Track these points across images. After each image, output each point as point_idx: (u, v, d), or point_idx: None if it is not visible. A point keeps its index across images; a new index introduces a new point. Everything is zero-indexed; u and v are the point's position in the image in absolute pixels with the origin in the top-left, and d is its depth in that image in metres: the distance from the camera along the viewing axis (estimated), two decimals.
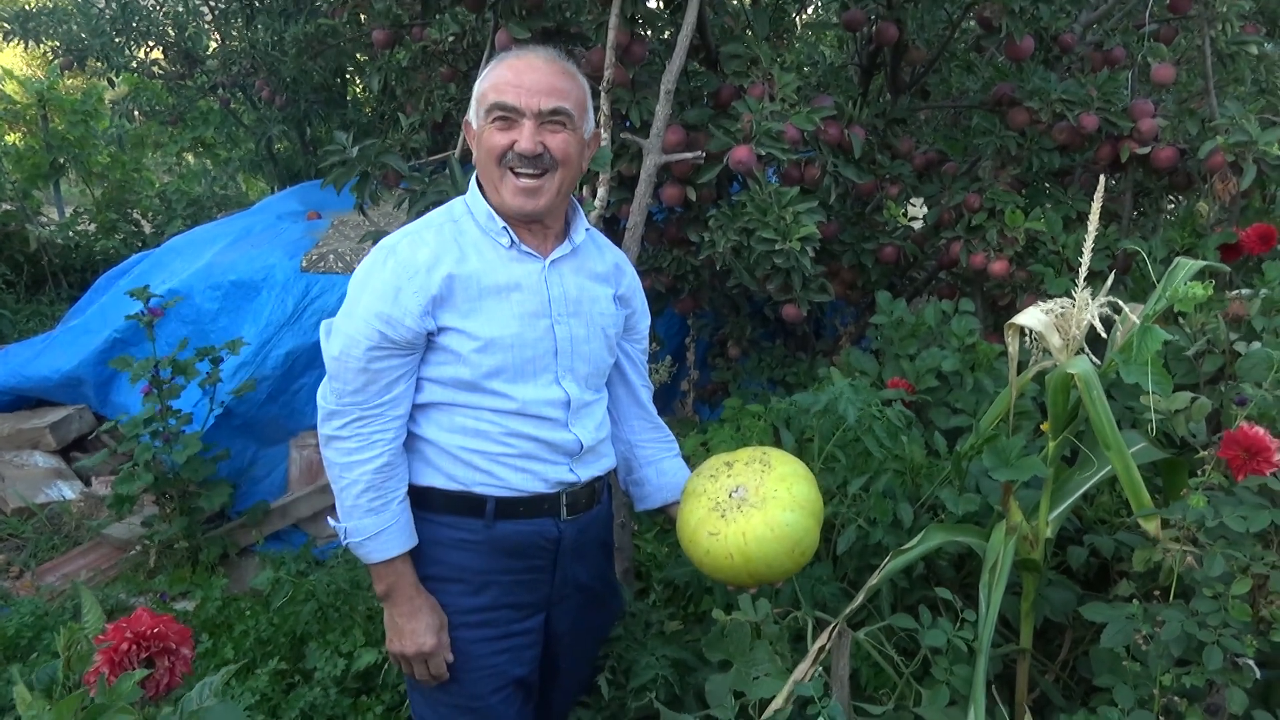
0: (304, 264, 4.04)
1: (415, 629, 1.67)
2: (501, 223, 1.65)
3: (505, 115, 1.58)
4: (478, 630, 1.73)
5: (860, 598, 1.74)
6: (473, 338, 1.61)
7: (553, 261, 1.70)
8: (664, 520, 2.01)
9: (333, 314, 4.21)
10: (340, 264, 4.04)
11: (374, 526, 1.63)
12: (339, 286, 3.97)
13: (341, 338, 1.61)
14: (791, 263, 2.65)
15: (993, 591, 1.72)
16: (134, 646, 1.16)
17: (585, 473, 1.78)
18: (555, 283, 1.70)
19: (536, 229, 1.69)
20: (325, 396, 1.64)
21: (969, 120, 3.83)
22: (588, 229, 1.80)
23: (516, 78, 1.59)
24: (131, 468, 3.33)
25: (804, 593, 2.02)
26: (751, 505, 1.68)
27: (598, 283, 1.79)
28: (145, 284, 3.72)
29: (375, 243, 2.94)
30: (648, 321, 1.97)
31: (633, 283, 1.90)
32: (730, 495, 1.72)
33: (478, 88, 1.64)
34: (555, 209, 1.68)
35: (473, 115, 1.66)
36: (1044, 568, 1.92)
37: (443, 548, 1.71)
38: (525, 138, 1.58)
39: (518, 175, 1.60)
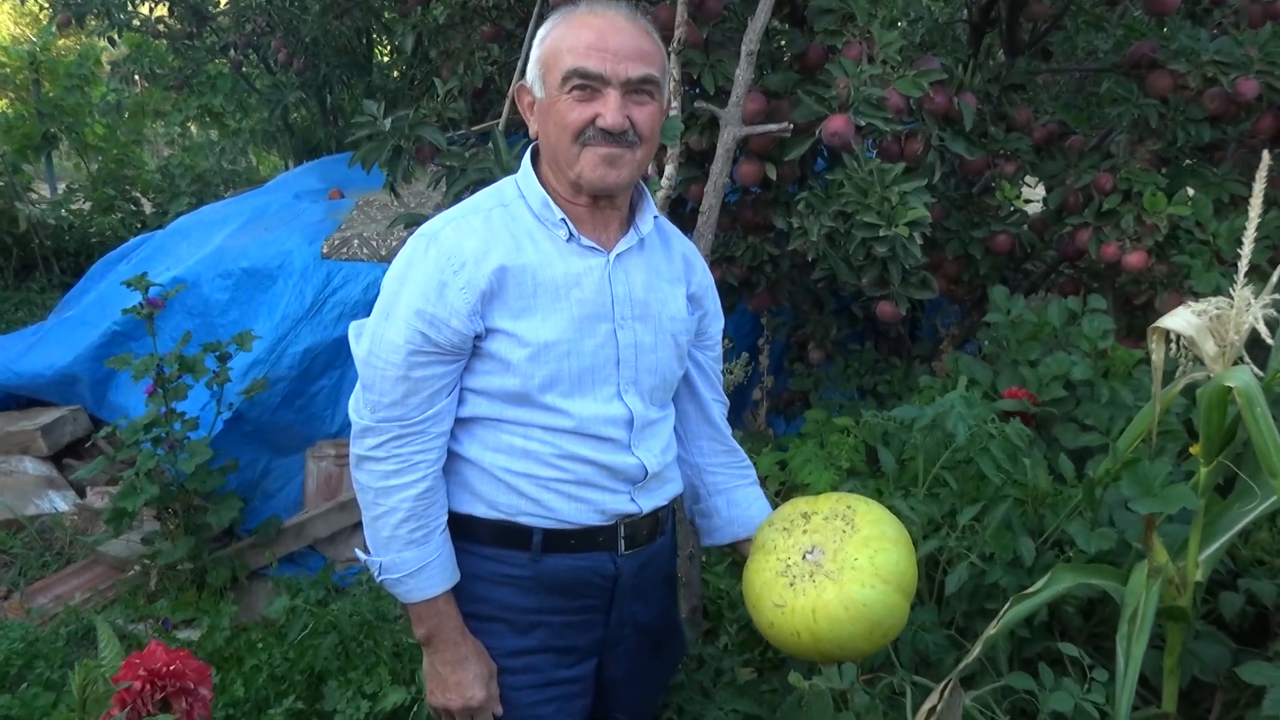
0: (325, 250, 4.10)
1: (462, 680, 1.68)
2: (559, 213, 1.64)
3: (586, 84, 1.56)
4: (522, 676, 1.74)
5: (976, 650, 1.71)
6: (524, 343, 1.60)
7: (618, 256, 1.69)
8: (737, 556, 2.00)
9: (357, 307, 4.27)
10: (366, 250, 4.09)
11: (415, 561, 1.64)
12: (364, 276, 4.02)
13: (377, 341, 1.61)
14: (894, 251, 2.62)
15: (1132, 645, 1.69)
16: (149, 686, 1.18)
17: (648, 502, 1.77)
18: (620, 280, 1.69)
19: (599, 218, 1.69)
20: (359, 410, 1.64)
21: (1099, 86, 3.76)
22: (656, 216, 1.79)
23: (599, 39, 1.56)
24: (134, 478, 3.40)
25: (904, 642, 1.99)
26: (826, 575, 1.66)
27: (667, 281, 1.78)
28: (145, 271, 3.80)
29: (408, 227, 3.00)
30: (721, 324, 1.96)
31: (704, 279, 1.89)
32: (804, 557, 1.71)
33: (542, 49, 1.63)
34: (628, 188, 1.68)
35: (535, 81, 1.64)
36: (1192, 617, 1.87)
37: (483, 583, 1.72)
38: (612, 110, 1.56)
39: (599, 144, 1.59)
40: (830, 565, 1.67)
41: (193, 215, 5.09)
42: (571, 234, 1.65)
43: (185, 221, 4.98)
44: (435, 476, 1.65)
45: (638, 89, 1.58)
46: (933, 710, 1.63)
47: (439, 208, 3.32)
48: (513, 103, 3.58)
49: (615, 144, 1.58)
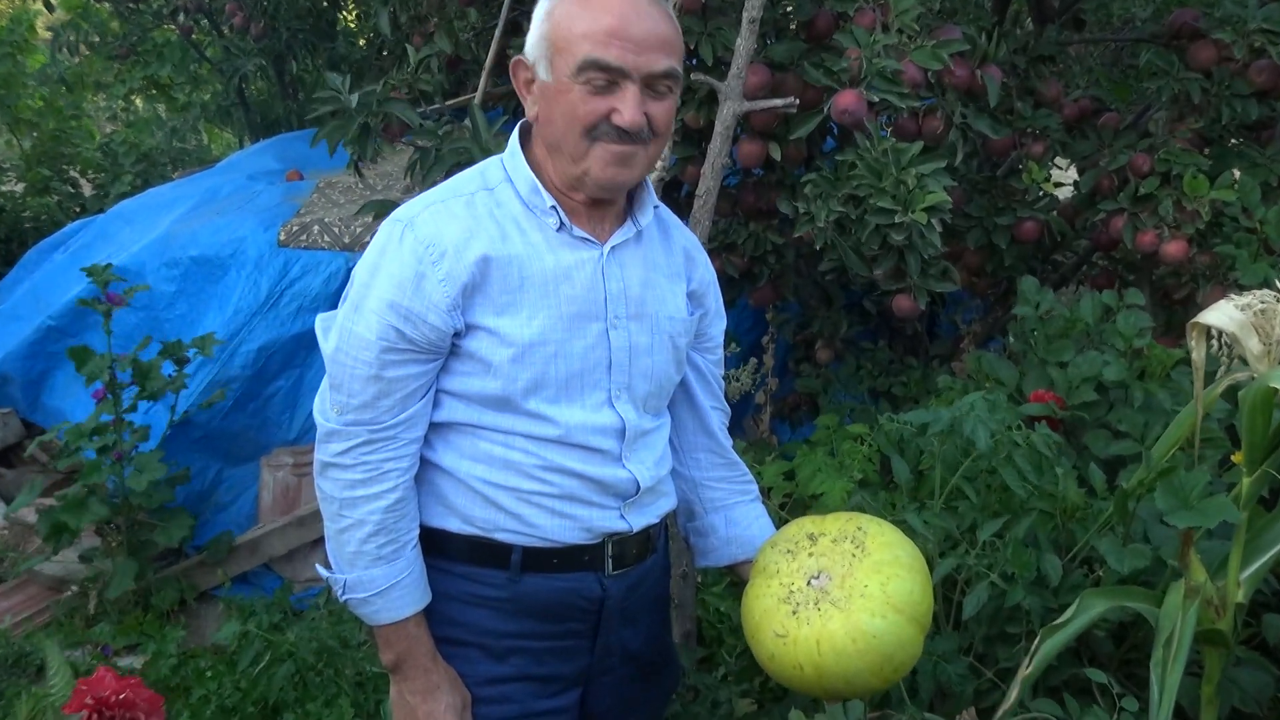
0: (282, 236, 4.11)
1: (433, 711, 1.67)
2: (550, 200, 1.64)
3: (605, 77, 1.55)
4: (498, 707, 1.73)
5: (1014, 695, 1.71)
6: (507, 342, 1.60)
7: (613, 249, 1.69)
8: (736, 578, 2.01)
9: (318, 300, 4.28)
10: (327, 237, 4.10)
11: (384, 579, 1.64)
12: (325, 265, 4.03)
13: (346, 336, 1.60)
14: (911, 240, 2.63)
15: (1167, 673, 1.69)
16: (96, 716, 1.19)
17: (639, 520, 1.77)
18: (614, 275, 1.69)
19: (596, 208, 1.68)
20: (324, 412, 1.64)
21: (1136, 58, 3.78)
22: (656, 207, 1.79)
23: (621, 25, 1.53)
24: (81, 491, 3.40)
25: (922, 673, 2.00)
26: (833, 603, 1.66)
27: (666, 277, 1.78)
28: (87, 259, 3.80)
29: (378, 217, 3.01)
30: (723, 324, 1.95)
31: (706, 274, 1.88)
32: (809, 583, 1.70)
33: (551, 24, 1.59)
34: (639, 181, 1.69)
35: (540, 61, 1.61)
36: (1233, 642, 1.88)
37: (456, 604, 1.71)
38: (630, 108, 1.54)
39: (611, 142, 1.57)
40: (838, 592, 1.67)
41: (137, 198, 5.10)
42: (563, 223, 1.64)
43: (128, 205, 4.98)
44: (407, 486, 1.65)
45: (658, 84, 1.57)
46: None
47: (409, 191, 3.33)
48: (491, 75, 3.59)
49: (630, 142, 1.57)
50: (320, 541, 3.78)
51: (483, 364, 1.61)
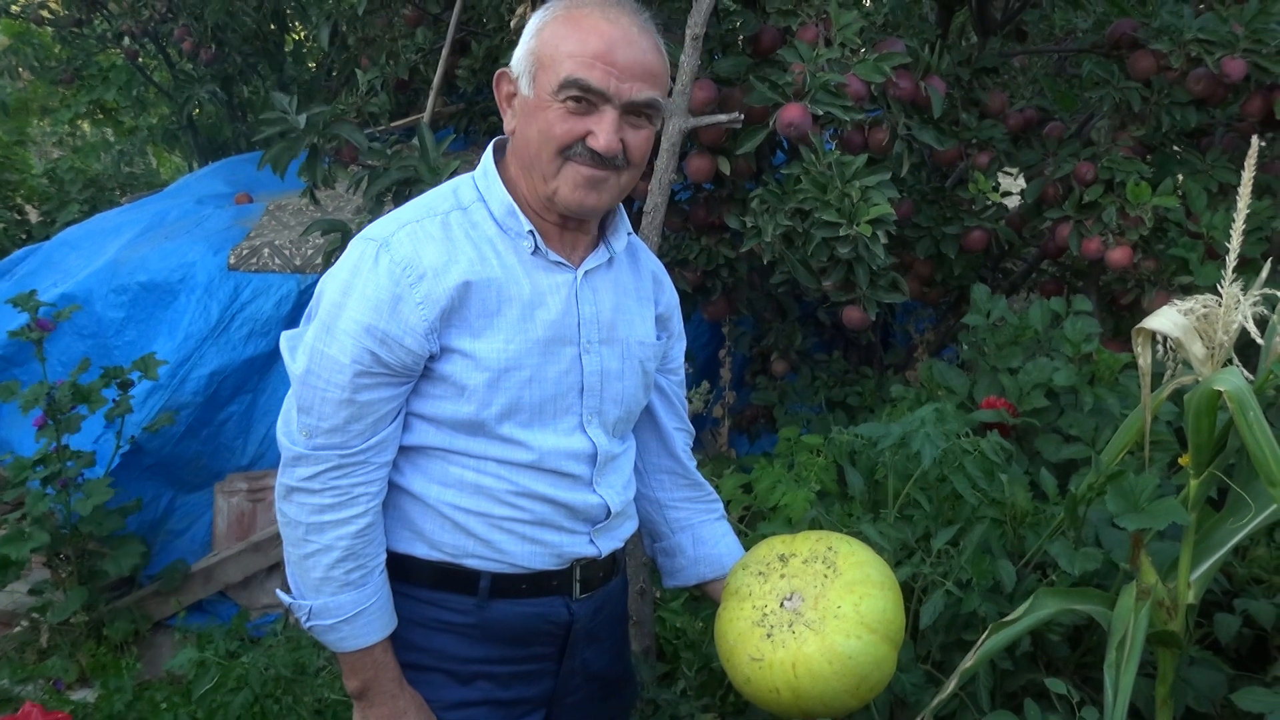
0: (232, 260, 4.07)
1: None
2: (528, 224, 1.63)
3: (584, 98, 1.54)
4: None
5: (952, 685, 1.73)
6: (483, 366, 1.59)
7: (586, 274, 1.69)
8: (706, 598, 2.01)
9: (270, 323, 4.24)
10: (278, 260, 4.07)
11: (351, 605, 1.62)
12: (276, 288, 3.99)
13: (317, 359, 1.57)
14: (858, 252, 2.65)
15: (1121, 674, 1.71)
16: None
17: (608, 544, 1.78)
18: (587, 300, 1.69)
19: (569, 232, 1.68)
20: (290, 434, 1.60)
21: (1078, 68, 3.83)
22: (630, 234, 1.79)
23: (609, 50, 1.53)
24: (19, 521, 3.35)
25: None
26: (807, 625, 1.67)
27: (636, 301, 1.79)
28: (32, 288, 3.75)
29: (325, 235, 2.99)
30: (683, 346, 1.96)
31: (672, 299, 1.89)
32: (782, 605, 1.71)
33: (539, 41, 1.59)
34: (610, 209, 1.69)
35: (523, 75, 1.60)
36: (1186, 642, 1.90)
37: (421, 630, 1.70)
38: (606, 132, 1.54)
39: (582, 164, 1.57)
40: (811, 614, 1.68)
41: (84, 224, 5.03)
42: (538, 246, 1.64)
43: (75, 231, 4.91)
44: (376, 512, 1.63)
45: (638, 111, 1.57)
46: None
47: (359, 211, 3.31)
48: (439, 94, 3.58)
49: (602, 167, 1.57)
50: (277, 567, 3.75)
51: (457, 387, 1.60)
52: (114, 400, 3.48)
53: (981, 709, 1.94)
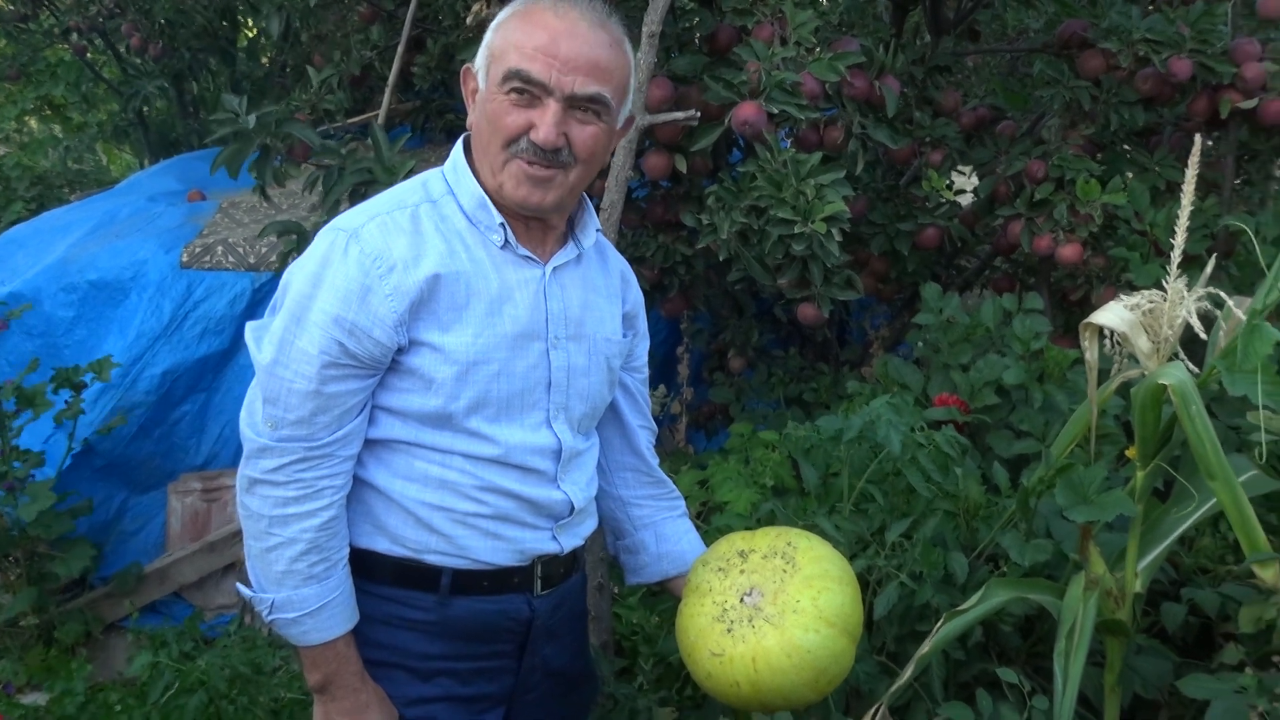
0: (184, 258, 4.04)
1: None
2: (498, 217, 1.64)
3: (526, 89, 1.55)
4: None
5: (908, 673, 1.76)
6: (451, 359, 1.59)
7: (555, 269, 1.70)
8: (668, 594, 2.02)
9: (223, 322, 4.20)
10: (231, 258, 4.04)
11: (315, 599, 1.61)
12: (230, 287, 3.96)
13: (285, 349, 1.56)
14: (813, 250, 2.68)
15: (1070, 663, 1.75)
16: None
17: (570, 541, 1.79)
18: (556, 296, 1.70)
19: (536, 226, 1.69)
20: (255, 425, 1.59)
21: (1029, 68, 3.89)
22: (598, 230, 1.80)
23: (551, 43, 1.54)
24: None
25: None
26: (766, 620, 1.69)
27: (604, 298, 1.80)
28: None
29: (281, 236, 2.98)
30: (647, 344, 1.97)
31: (638, 297, 1.91)
32: (742, 600, 1.74)
33: (495, 35, 1.61)
34: (564, 208, 1.69)
35: (481, 69, 1.62)
36: (1133, 631, 1.94)
37: (381, 627, 1.70)
38: (546, 124, 1.55)
39: (526, 161, 1.58)
40: (771, 609, 1.70)
41: (32, 222, 4.95)
42: (507, 240, 1.65)
43: (22, 230, 4.84)
44: (340, 505, 1.62)
45: (583, 106, 1.57)
46: None
47: (314, 210, 3.30)
48: (395, 92, 3.57)
49: (545, 163, 1.58)
50: (233, 567, 3.72)
51: (424, 381, 1.60)
52: (65, 402, 3.43)
53: (935, 699, 1.98)
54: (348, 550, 1.66)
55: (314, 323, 1.55)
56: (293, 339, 1.56)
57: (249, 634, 3.19)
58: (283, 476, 1.58)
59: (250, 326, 1.64)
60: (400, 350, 1.59)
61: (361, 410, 1.61)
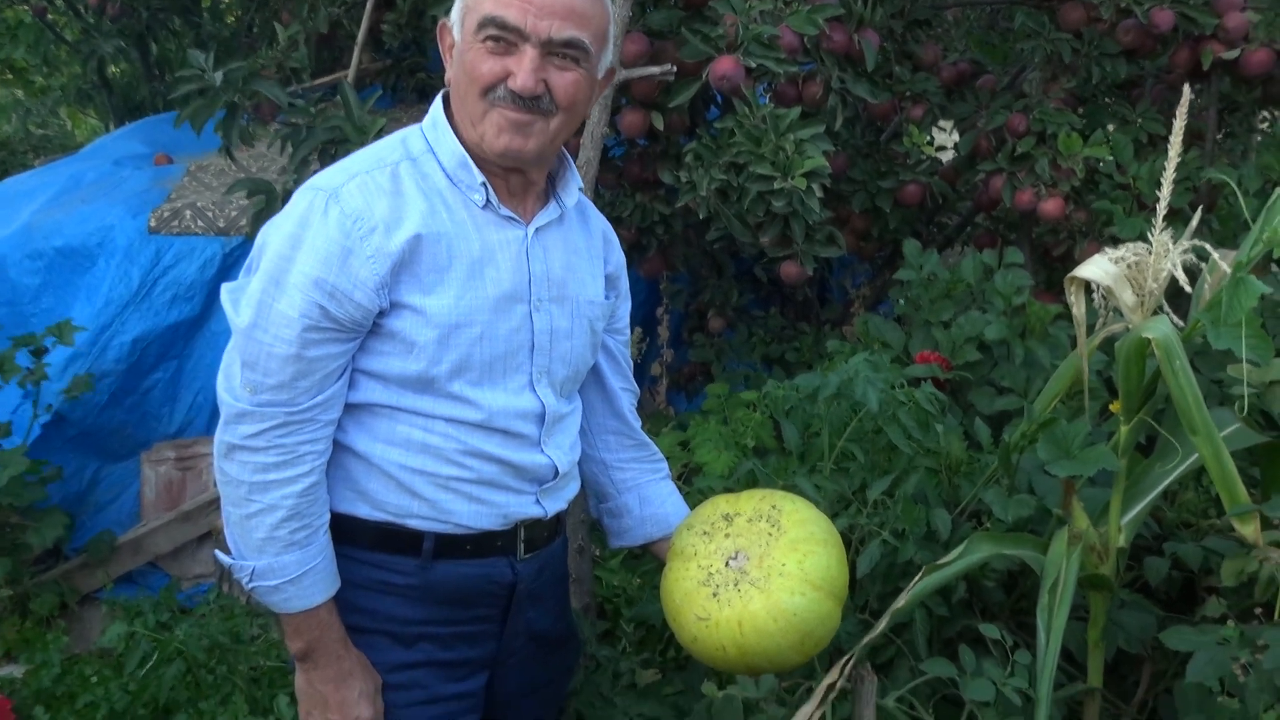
0: (152, 223, 3.99)
1: (346, 698, 1.66)
2: (480, 176, 1.62)
3: (501, 36, 1.54)
4: (405, 693, 1.73)
5: (882, 624, 1.77)
6: (433, 323, 1.59)
7: (537, 230, 1.69)
8: (653, 558, 2.03)
9: (194, 288, 4.17)
10: (200, 222, 3.99)
11: (296, 565, 1.61)
12: (200, 252, 3.92)
13: (265, 312, 1.55)
14: (793, 206, 2.66)
15: (1053, 618, 1.76)
16: None
17: (553, 505, 1.79)
18: (538, 257, 1.69)
19: (516, 184, 1.68)
20: (233, 390, 1.58)
21: (1010, 21, 3.86)
22: (581, 189, 1.79)
23: None
24: None
25: None
26: (752, 583, 1.70)
27: (587, 260, 1.79)
28: None
29: (250, 196, 2.94)
30: (629, 306, 1.97)
31: (620, 258, 1.91)
32: (727, 564, 1.74)
33: None
34: (545, 158, 1.67)
35: (456, 22, 1.62)
36: (1116, 585, 1.96)
37: (363, 592, 1.70)
38: (524, 72, 1.54)
39: (505, 108, 1.56)
40: (756, 572, 1.71)
41: None
42: (489, 200, 1.63)
43: None
44: (321, 470, 1.62)
45: (560, 52, 1.56)
46: (831, 686, 1.68)
47: (284, 172, 3.25)
48: (365, 50, 3.53)
49: (525, 110, 1.56)
50: (208, 536, 3.71)
51: (405, 344, 1.59)
52: (28, 368, 3.40)
53: (919, 655, 1.99)
54: (329, 516, 1.65)
55: (293, 285, 1.53)
56: (271, 302, 1.54)
57: (227, 603, 3.19)
58: (263, 442, 1.57)
59: (226, 288, 1.63)
60: (381, 313, 1.58)
61: (342, 374, 1.60)
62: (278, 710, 2.47)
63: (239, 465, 1.58)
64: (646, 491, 1.99)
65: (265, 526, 1.59)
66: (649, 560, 2.09)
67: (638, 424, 2.01)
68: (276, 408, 1.56)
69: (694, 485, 2.45)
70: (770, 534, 1.74)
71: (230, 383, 1.58)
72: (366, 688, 1.68)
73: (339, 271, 1.53)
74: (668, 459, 2.48)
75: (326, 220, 1.54)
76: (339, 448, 1.66)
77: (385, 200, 1.57)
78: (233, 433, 1.58)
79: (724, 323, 3.87)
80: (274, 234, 1.58)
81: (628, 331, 1.98)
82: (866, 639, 1.79)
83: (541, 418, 1.72)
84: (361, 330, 1.59)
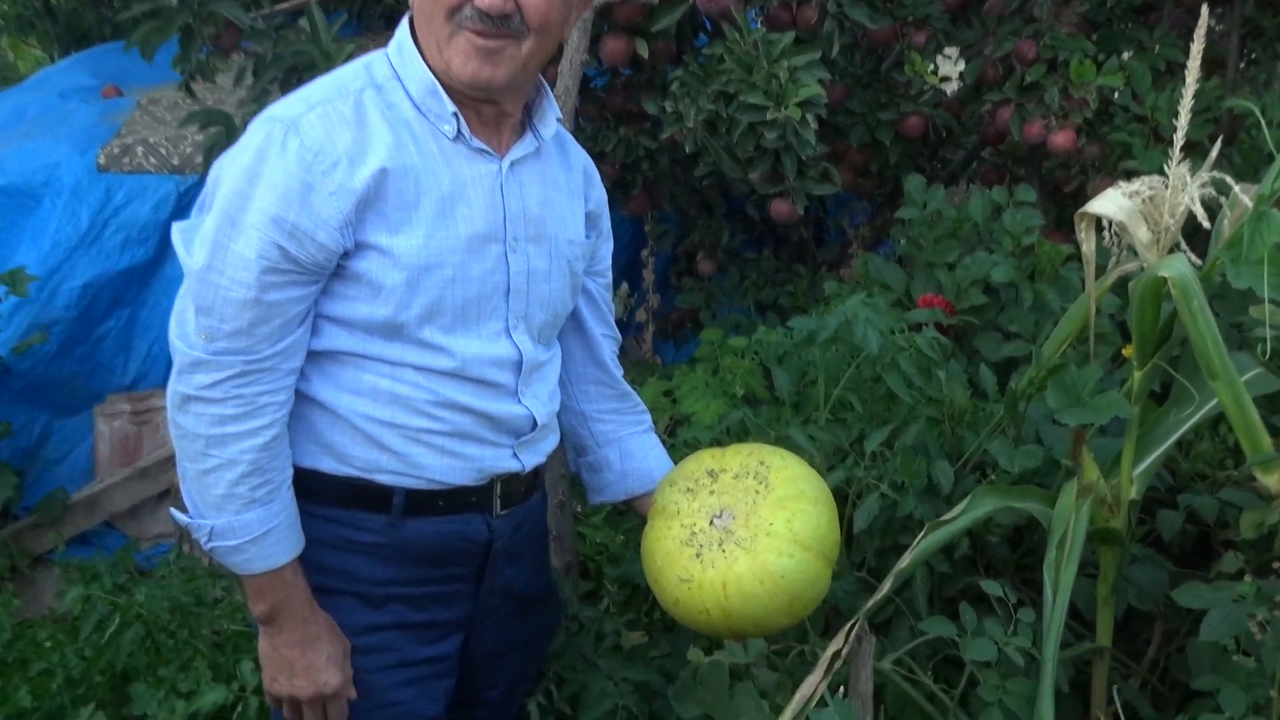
0: (102, 160, 3.95)
1: (313, 663, 1.66)
2: (450, 106, 1.60)
3: None
4: (375, 656, 1.74)
5: (886, 587, 1.77)
6: (402, 264, 1.57)
7: (512, 164, 1.67)
8: (634, 514, 2.04)
9: (147, 229, 4.14)
10: (153, 159, 3.96)
11: (258, 524, 1.59)
12: (153, 191, 3.89)
13: (220, 254, 1.52)
14: (786, 139, 2.64)
15: (1061, 574, 1.76)
16: None
17: (531, 458, 1.79)
18: (514, 193, 1.67)
19: (489, 115, 1.65)
20: (186, 337, 1.55)
21: None
22: (559, 120, 1.77)
23: None
24: None
25: None
26: (738, 543, 1.70)
27: (566, 196, 1.78)
28: None
29: (204, 129, 2.90)
30: (611, 246, 1.97)
31: (602, 196, 1.89)
32: (711, 523, 1.74)
33: None
34: (518, 86, 1.64)
35: None
36: (1128, 540, 1.96)
37: (329, 551, 1.70)
38: None
39: (473, 31, 1.54)
40: (742, 532, 1.71)
41: None
42: (460, 132, 1.61)
43: None
44: (283, 423, 1.61)
45: None
46: (836, 656, 1.68)
47: (243, 105, 3.21)
48: None
49: (494, 32, 1.53)
50: (168, 494, 3.71)
51: (372, 287, 1.58)
52: None
53: (919, 614, 1.99)
54: (291, 471, 1.64)
55: (250, 224, 1.51)
56: (227, 242, 1.52)
57: (188, 564, 3.18)
58: (220, 393, 1.55)
59: (178, 227, 1.60)
60: (345, 254, 1.56)
61: (304, 320, 1.59)
62: (242, 676, 2.46)
63: (194, 418, 1.56)
64: (628, 445, 1.99)
65: (224, 483, 1.58)
66: (634, 516, 2.09)
67: (620, 373, 2.01)
68: (234, 356, 1.54)
69: (679, 438, 2.44)
70: (757, 491, 1.75)
71: (184, 329, 1.56)
72: (334, 652, 1.68)
73: (299, 209, 1.51)
74: (652, 411, 2.48)
75: (285, 154, 1.52)
76: (302, 399, 1.64)
77: (348, 132, 1.54)
78: (187, 383, 1.56)
79: (714, 265, 3.85)
80: (228, 169, 1.55)
81: (609, 274, 1.97)
82: (870, 603, 1.79)
83: (518, 366, 1.71)
84: (324, 273, 1.57)
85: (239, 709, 2.48)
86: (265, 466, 1.59)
